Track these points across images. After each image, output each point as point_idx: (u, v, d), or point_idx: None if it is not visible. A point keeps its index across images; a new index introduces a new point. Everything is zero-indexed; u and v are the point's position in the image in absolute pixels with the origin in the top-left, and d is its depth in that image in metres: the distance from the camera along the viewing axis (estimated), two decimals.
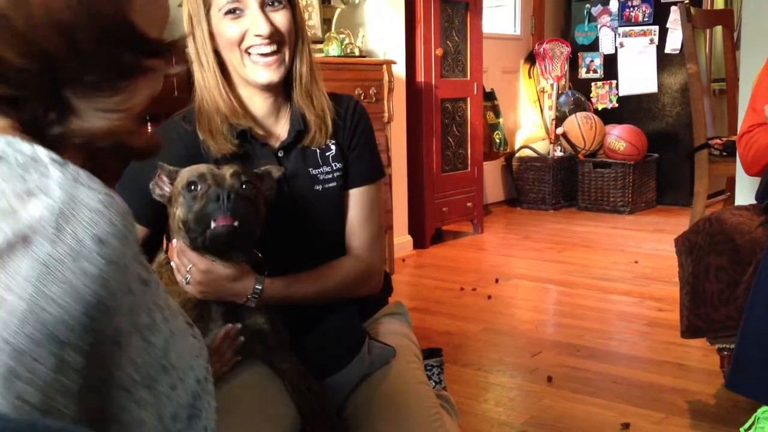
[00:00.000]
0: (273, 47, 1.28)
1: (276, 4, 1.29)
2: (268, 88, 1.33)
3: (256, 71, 1.29)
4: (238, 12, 1.27)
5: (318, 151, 1.36)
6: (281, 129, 1.37)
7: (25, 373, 0.53)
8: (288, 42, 1.30)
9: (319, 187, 1.36)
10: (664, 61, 5.44)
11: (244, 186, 1.19)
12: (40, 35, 0.61)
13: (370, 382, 1.29)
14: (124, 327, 0.59)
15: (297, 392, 1.24)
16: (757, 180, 2.27)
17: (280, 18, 1.29)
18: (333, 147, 1.37)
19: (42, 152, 0.60)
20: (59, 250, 0.55)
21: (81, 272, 0.56)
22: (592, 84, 5.73)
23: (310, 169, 1.36)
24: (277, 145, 1.35)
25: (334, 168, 1.37)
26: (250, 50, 1.29)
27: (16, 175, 0.58)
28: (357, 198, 1.40)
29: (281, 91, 1.36)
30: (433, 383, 1.51)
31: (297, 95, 1.35)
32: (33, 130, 0.64)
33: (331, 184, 1.37)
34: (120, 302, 0.58)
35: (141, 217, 1.34)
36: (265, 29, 1.26)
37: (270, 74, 1.29)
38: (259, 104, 1.35)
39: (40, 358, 0.54)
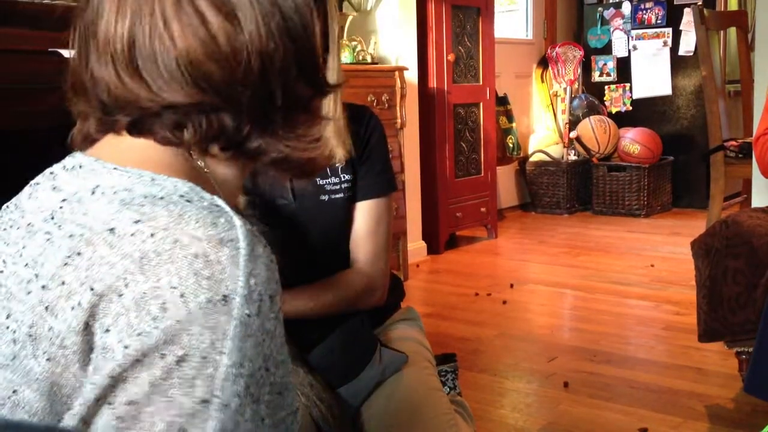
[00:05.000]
0: None
1: None
2: None
3: None
4: None
5: None
6: None
7: (232, 427, 0.55)
8: None
9: (325, 197, 1.36)
10: (677, 64, 5.41)
11: None
12: (242, 59, 0.64)
13: (383, 389, 1.29)
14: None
15: (309, 403, 1.23)
16: None
17: None
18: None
19: (220, 201, 0.61)
20: (251, 309, 0.57)
21: (264, 331, 0.58)
22: (606, 87, 5.71)
23: (318, 179, 1.36)
24: None
25: (343, 179, 1.37)
26: None
27: (207, 218, 0.58)
28: (364, 211, 1.39)
29: None
30: (448, 389, 1.50)
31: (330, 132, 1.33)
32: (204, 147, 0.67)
33: (338, 195, 1.37)
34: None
35: None
36: None
37: None
38: None
39: (244, 414, 0.56)
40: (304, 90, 0.68)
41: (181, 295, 0.55)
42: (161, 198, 0.60)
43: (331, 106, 1.28)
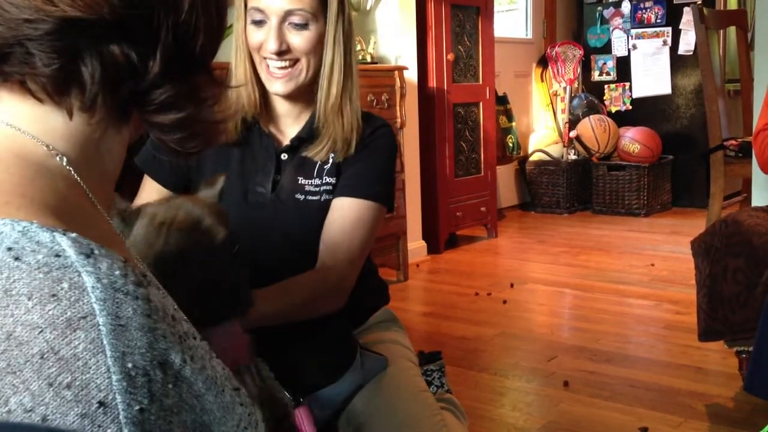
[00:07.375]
0: (285, 62, 1.28)
1: (299, 25, 1.26)
2: (286, 95, 1.32)
3: (270, 81, 1.30)
4: (260, 22, 1.28)
5: (318, 163, 1.32)
6: (293, 132, 1.35)
7: None
8: (307, 60, 1.28)
9: (300, 197, 1.30)
10: (677, 63, 5.41)
11: None
12: None
13: (365, 393, 1.26)
14: None
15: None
16: None
17: (299, 39, 1.27)
18: (331, 160, 1.32)
19: (63, 239, 0.43)
20: (142, 400, 0.42)
21: (166, 410, 0.43)
22: (605, 86, 5.71)
23: (300, 178, 1.31)
24: (283, 145, 1.35)
25: (324, 182, 1.31)
26: (267, 59, 1.30)
27: (43, 288, 0.41)
28: (341, 209, 1.29)
29: (304, 97, 1.34)
30: (435, 388, 1.47)
31: (320, 112, 1.31)
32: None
33: (314, 197, 1.31)
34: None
35: (167, 182, 1.36)
36: (274, 47, 1.26)
37: (279, 86, 1.29)
38: (280, 103, 1.35)
39: None
40: (207, 42, 0.55)
41: (44, 420, 0.38)
42: None
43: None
